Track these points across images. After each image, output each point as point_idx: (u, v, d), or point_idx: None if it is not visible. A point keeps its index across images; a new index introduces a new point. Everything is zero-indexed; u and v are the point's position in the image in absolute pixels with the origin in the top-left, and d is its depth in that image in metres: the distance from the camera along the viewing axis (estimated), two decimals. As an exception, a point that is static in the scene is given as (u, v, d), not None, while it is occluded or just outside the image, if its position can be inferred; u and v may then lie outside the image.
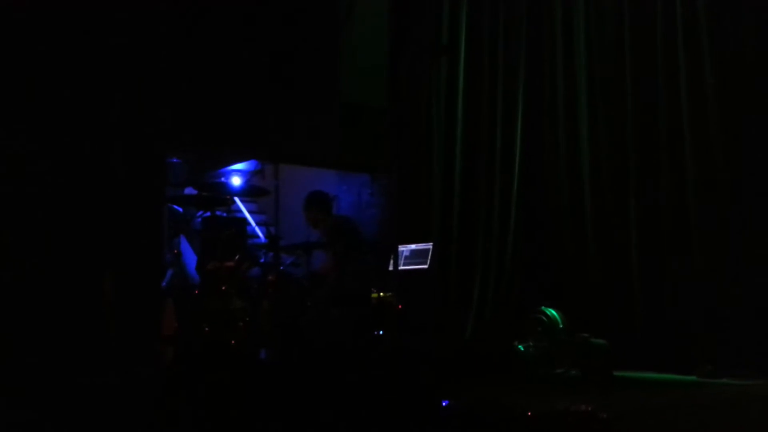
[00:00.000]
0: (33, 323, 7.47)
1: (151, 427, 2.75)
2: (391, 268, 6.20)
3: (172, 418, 2.77)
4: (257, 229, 10.86)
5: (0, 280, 7.20)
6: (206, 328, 5.47)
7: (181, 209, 8.93)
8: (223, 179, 10.62)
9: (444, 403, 3.22)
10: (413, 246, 7.76)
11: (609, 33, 7.30)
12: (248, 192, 6.29)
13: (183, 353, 2.94)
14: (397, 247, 7.34)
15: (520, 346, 6.44)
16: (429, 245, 7.69)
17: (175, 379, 2.87)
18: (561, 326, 6.32)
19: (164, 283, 8.35)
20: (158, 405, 2.79)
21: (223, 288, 5.53)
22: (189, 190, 10.06)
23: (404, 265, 7.60)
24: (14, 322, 7.36)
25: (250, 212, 11.23)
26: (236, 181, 10.79)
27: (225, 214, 6.16)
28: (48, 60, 6.79)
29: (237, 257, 5.60)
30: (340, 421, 2.45)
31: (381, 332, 6.82)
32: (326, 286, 6.00)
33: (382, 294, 6.65)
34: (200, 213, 6.30)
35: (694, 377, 5.99)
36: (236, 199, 7.77)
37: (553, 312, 6.42)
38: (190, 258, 9.22)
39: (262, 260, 5.60)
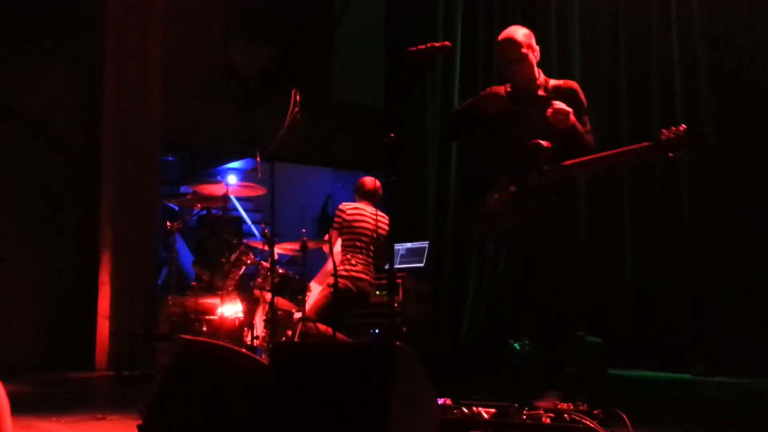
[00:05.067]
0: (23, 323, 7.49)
1: (147, 427, 2.75)
2: (387, 266, 6.21)
3: (168, 418, 2.78)
4: (253, 228, 10.88)
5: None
6: (203, 328, 5.48)
7: (176, 207, 8.94)
8: (218, 177, 10.66)
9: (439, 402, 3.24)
10: (409, 244, 7.76)
11: (604, 34, 7.30)
12: (244, 190, 6.31)
13: (179, 352, 2.95)
14: (393, 246, 7.36)
15: (515, 344, 6.45)
16: (425, 244, 7.69)
17: (171, 377, 2.88)
18: (556, 324, 6.31)
19: (160, 281, 8.39)
20: (154, 405, 2.80)
21: (219, 285, 5.53)
22: (185, 188, 10.05)
23: (400, 263, 7.60)
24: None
25: (245, 210, 11.25)
26: (232, 179, 10.80)
27: (220, 213, 6.16)
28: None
29: (233, 256, 5.61)
30: (336, 421, 2.46)
31: (377, 330, 6.84)
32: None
33: (378, 292, 6.66)
34: (196, 211, 6.31)
35: (688, 375, 6.01)
36: (232, 197, 7.78)
37: (548, 310, 6.41)
38: (186, 256, 9.25)
39: (257, 258, 5.61)
